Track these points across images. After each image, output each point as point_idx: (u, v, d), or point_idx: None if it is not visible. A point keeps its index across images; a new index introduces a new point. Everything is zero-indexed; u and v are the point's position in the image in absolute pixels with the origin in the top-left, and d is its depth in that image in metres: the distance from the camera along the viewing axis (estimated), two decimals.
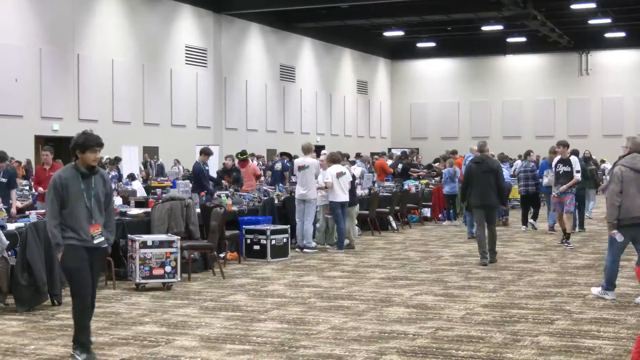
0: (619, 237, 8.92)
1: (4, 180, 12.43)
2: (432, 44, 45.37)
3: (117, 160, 23.93)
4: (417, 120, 48.01)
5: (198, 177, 15.87)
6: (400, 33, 41.51)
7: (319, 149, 25.42)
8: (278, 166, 24.24)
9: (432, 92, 47.47)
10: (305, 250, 13.93)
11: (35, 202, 13.29)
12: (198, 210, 12.45)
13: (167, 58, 30.48)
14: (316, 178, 14.17)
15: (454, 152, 21.99)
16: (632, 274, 11.12)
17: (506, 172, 18.83)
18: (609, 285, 9.23)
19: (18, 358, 6.85)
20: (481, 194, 12.25)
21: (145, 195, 17.49)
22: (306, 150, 14.56)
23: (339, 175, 14.24)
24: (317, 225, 14.60)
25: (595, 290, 9.40)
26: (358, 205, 15.64)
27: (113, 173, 17.04)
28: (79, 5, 26.38)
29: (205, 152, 16.43)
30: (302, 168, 14.15)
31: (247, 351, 6.97)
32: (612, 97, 43.52)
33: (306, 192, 13.97)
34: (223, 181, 17.01)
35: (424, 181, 21.59)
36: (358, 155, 26.47)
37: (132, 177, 20.84)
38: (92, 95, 26.82)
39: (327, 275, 11.37)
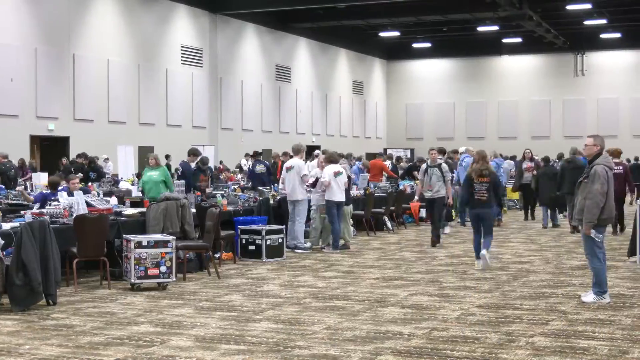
0: (599, 236, 8.96)
1: None
2: (428, 45, 45.39)
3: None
4: (413, 120, 48.01)
5: (187, 176, 16.01)
6: (396, 33, 41.51)
7: (314, 149, 25.41)
8: (261, 168, 19.66)
9: (427, 93, 47.49)
10: (296, 250, 13.96)
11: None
12: (193, 210, 12.47)
13: (163, 58, 30.45)
14: (301, 179, 14.17)
15: (455, 152, 21.99)
16: (626, 275, 11.15)
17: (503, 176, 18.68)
18: (604, 288, 9.18)
19: (13, 358, 6.84)
20: (571, 184, 14.90)
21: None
22: (295, 151, 14.72)
23: (336, 174, 14.25)
24: (313, 225, 14.62)
25: (590, 298, 9.10)
26: (352, 205, 15.66)
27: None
28: (74, 5, 26.35)
29: (194, 153, 16.60)
30: (288, 169, 14.32)
31: (242, 351, 6.97)
32: (607, 98, 43.58)
33: (291, 192, 14.13)
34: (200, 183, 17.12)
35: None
36: (349, 156, 26.20)
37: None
38: (87, 95, 26.79)
39: (322, 276, 11.37)
